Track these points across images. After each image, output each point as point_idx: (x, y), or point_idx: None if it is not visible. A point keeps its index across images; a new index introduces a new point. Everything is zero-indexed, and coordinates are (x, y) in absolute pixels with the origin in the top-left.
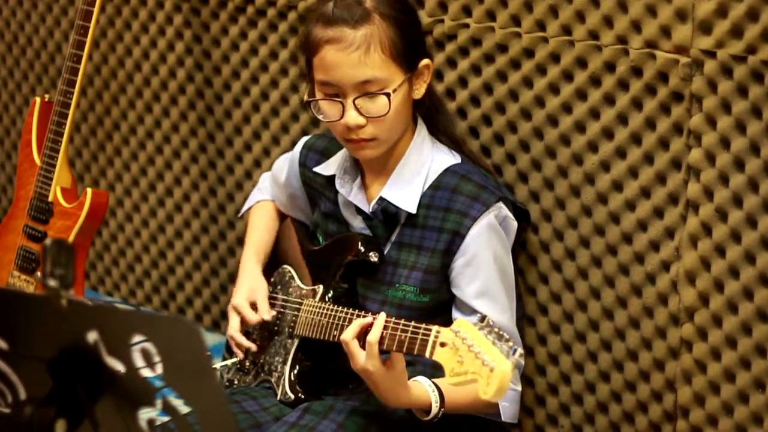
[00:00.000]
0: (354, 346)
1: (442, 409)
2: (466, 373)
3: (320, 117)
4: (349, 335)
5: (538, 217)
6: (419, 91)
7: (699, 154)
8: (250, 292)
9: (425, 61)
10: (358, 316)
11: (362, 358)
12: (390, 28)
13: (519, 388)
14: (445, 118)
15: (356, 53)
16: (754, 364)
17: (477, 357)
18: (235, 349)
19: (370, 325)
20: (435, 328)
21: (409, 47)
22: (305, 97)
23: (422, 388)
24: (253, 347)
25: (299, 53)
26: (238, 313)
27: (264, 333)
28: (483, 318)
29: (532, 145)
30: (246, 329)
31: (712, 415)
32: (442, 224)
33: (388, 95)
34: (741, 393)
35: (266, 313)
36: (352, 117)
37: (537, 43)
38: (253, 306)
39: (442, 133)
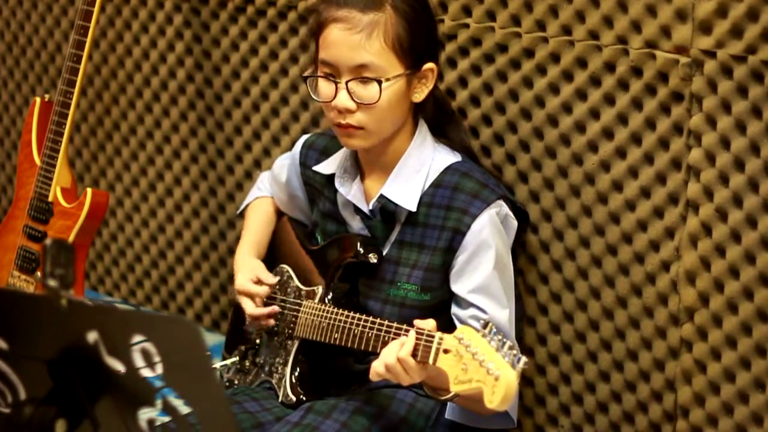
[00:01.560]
0: (398, 368)
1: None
2: (471, 381)
3: (314, 96)
4: (391, 358)
5: (538, 217)
6: (420, 95)
7: (699, 154)
8: (249, 273)
9: (430, 65)
10: (359, 319)
11: (407, 376)
12: (399, 21)
13: None
14: (458, 128)
15: (358, 36)
16: (754, 364)
17: (481, 365)
18: (264, 321)
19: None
20: (438, 334)
21: (414, 45)
22: (307, 73)
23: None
24: (276, 309)
25: (308, 33)
26: (246, 293)
27: (264, 333)
28: (486, 324)
29: (532, 145)
30: (244, 329)
31: (712, 415)
32: (444, 222)
33: (380, 83)
34: (741, 393)
35: (270, 279)
36: (342, 99)
37: (537, 43)
38: (257, 283)
39: (457, 144)
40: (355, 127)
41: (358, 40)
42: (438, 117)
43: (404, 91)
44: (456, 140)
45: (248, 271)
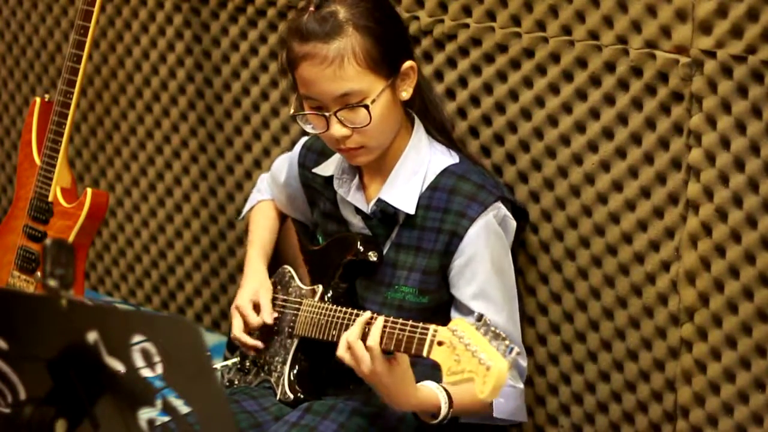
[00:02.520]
0: (360, 348)
1: (451, 410)
2: (463, 372)
3: (308, 128)
4: (353, 336)
5: (538, 217)
6: (407, 92)
7: (699, 154)
8: (253, 294)
9: (408, 63)
10: (358, 315)
11: (368, 362)
12: (364, 38)
13: (520, 385)
14: (434, 107)
15: (330, 68)
16: (754, 364)
17: (474, 356)
18: (243, 350)
19: (368, 322)
20: (432, 327)
21: (386, 54)
22: (292, 111)
23: (430, 389)
24: (260, 345)
25: (283, 66)
26: (240, 314)
27: (264, 333)
28: (480, 317)
29: (532, 145)
30: None
31: (712, 415)
32: (441, 225)
33: (366, 107)
34: (741, 393)
35: (268, 316)
36: (336, 129)
37: (537, 43)
38: (256, 307)
39: (431, 124)
40: (355, 148)
41: (332, 73)
42: (422, 103)
43: (392, 98)
44: (435, 119)
45: (253, 291)
